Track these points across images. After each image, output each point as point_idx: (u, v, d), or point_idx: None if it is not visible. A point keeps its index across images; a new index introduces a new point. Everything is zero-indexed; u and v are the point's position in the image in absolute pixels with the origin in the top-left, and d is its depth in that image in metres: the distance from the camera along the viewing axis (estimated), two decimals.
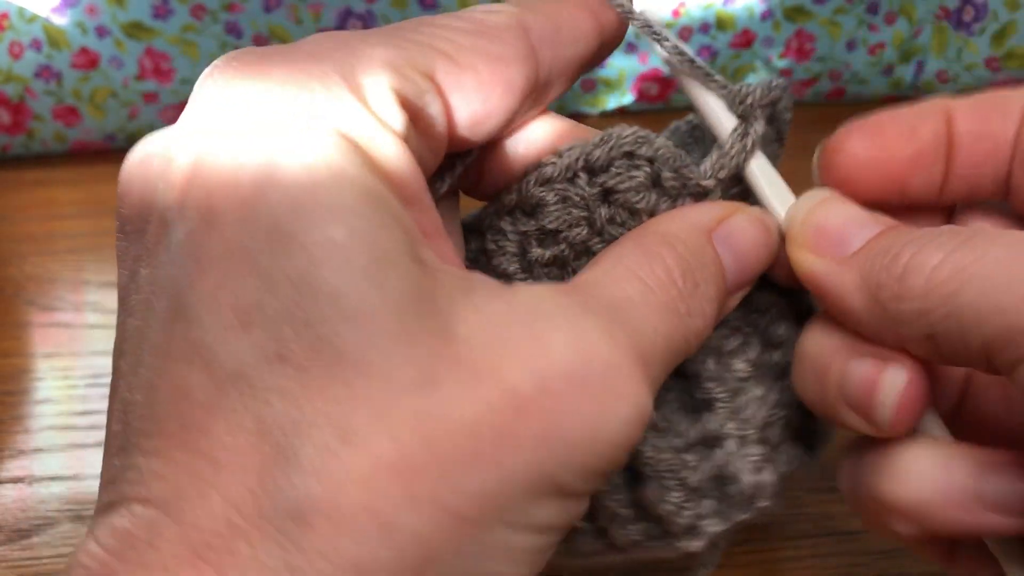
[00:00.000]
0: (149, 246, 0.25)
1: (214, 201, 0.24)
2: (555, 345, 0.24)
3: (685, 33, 0.68)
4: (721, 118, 0.31)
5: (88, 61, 0.65)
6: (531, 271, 0.32)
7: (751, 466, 0.31)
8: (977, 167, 0.31)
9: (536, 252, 0.31)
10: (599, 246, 0.30)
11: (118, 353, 0.25)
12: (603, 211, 0.30)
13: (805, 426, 0.33)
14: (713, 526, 0.31)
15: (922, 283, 0.26)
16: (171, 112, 0.67)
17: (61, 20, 0.64)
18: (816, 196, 0.30)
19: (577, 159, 0.29)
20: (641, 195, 0.30)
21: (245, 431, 0.22)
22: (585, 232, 0.30)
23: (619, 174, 0.29)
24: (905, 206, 0.31)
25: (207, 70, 0.27)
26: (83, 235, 0.63)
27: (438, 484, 0.22)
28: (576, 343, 0.24)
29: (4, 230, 0.64)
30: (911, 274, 0.26)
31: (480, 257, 0.33)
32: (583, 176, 0.29)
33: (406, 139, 0.26)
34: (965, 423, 0.32)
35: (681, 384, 0.31)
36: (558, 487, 0.24)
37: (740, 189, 0.32)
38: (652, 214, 0.30)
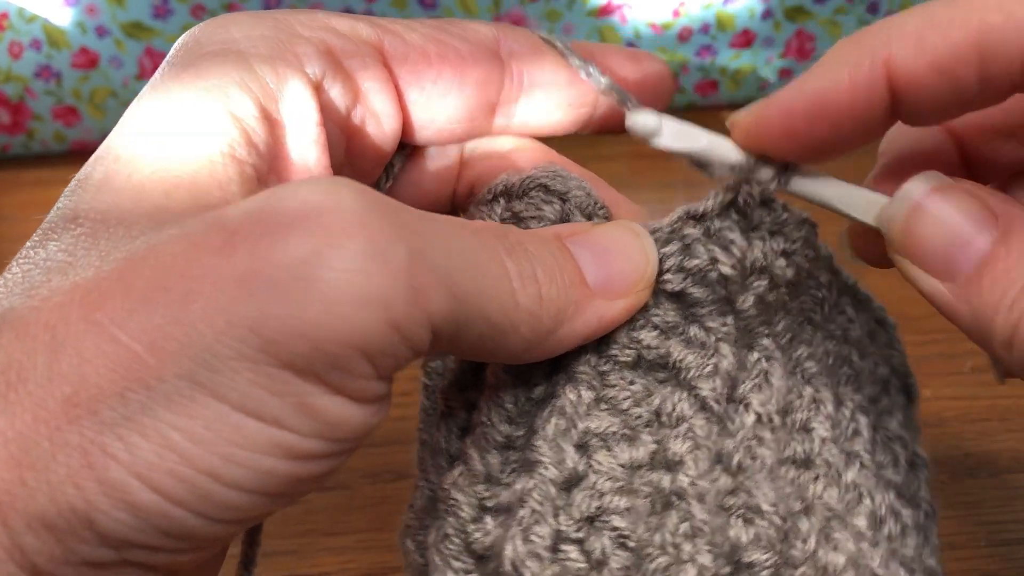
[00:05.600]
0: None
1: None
2: (292, 192, 0.22)
3: (685, 33, 0.68)
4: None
5: (88, 61, 0.65)
6: None
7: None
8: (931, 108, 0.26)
9: None
10: None
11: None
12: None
13: None
14: None
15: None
16: None
17: (61, 20, 0.64)
18: (913, 192, 0.26)
19: (498, 184, 0.30)
20: (544, 224, 0.29)
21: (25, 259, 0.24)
22: None
23: (531, 204, 0.29)
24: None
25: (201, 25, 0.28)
26: None
27: (118, 314, 0.21)
28: (316, 192, 0.21)
29: (4, 230, 0.64)
30: (1018, 341, 0.24)
31: None
32: (501, 201, 0.30)
33: (318, 87, 0.27)
34: None
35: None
36: (263, 347, 0.21)
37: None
38: None
